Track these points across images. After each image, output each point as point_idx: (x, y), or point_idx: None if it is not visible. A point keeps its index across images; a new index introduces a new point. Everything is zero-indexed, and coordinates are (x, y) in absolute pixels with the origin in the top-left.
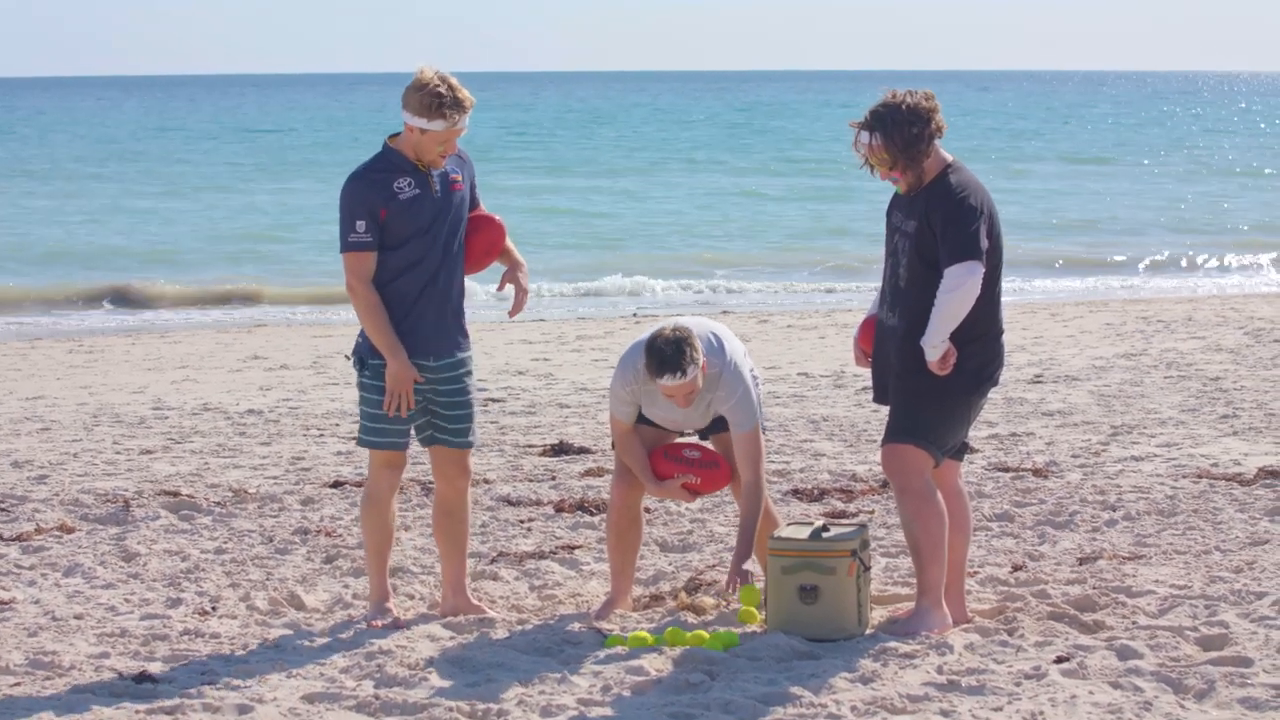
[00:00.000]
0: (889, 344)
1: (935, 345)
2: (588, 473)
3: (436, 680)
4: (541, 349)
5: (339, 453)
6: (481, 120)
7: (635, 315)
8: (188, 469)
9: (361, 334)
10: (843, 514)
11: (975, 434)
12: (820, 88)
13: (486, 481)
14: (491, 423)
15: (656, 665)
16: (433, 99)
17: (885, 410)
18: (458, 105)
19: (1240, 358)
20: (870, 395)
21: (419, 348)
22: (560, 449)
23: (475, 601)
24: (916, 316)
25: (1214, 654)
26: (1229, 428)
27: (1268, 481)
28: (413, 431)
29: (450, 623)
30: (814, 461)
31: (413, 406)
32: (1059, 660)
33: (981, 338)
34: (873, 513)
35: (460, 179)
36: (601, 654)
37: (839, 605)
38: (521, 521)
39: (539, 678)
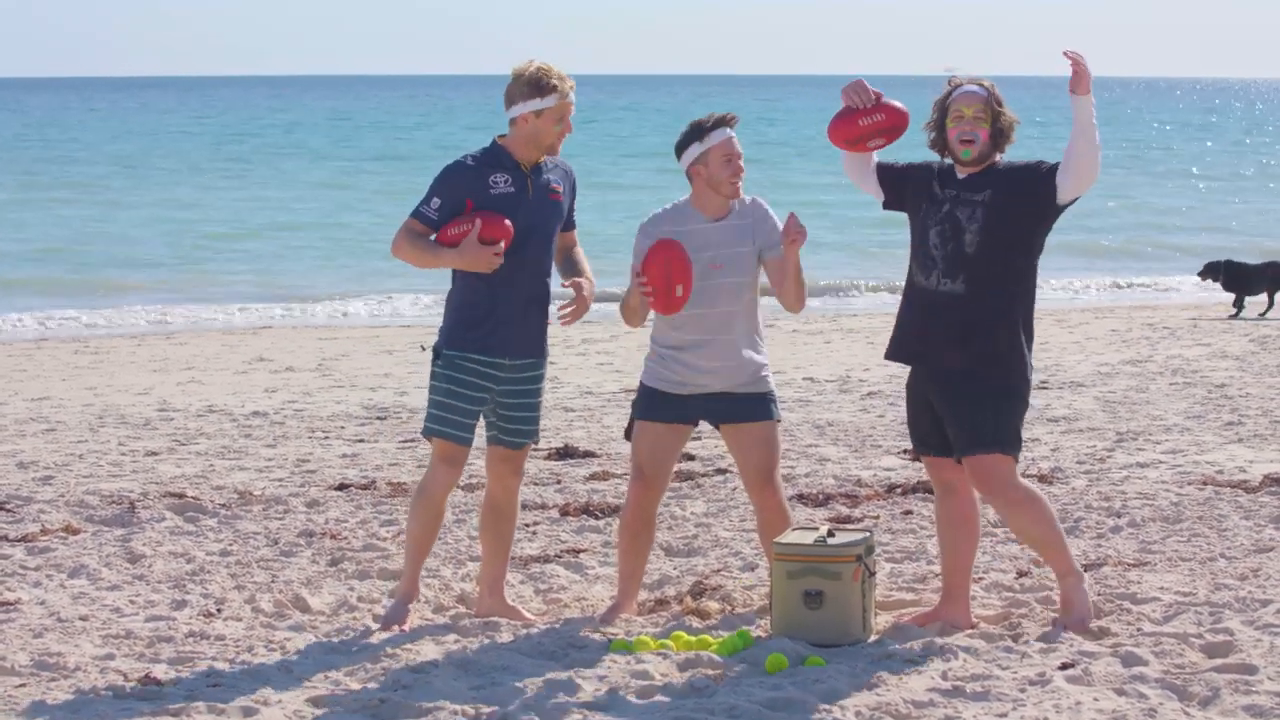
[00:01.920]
0: (943, 310)
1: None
2: (593, 476)
3: (441, 683)
4: None
5: (344, 455)
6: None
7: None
8: (193, 471)
9: (441, 327)
10: (848, 519)
11: None
12: (814, 92)
13: None
14: None
15: (661, 670)
16: (538, 76)
17: (891, 409)
18: (564, 79)
19: (1246, 364)
20: (885, 353)
21: (493, 346)
22: (565, 453)
23: (511, 604)
24: (986, 283)
25: (1219, 661)
26: (1234, 434)
27: (1273, 489)
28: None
29: (455, 625)
30: (819, 466)
31: (501, 255)
32: (1064, 666)
33: (1031, 336)
34: (878, 518)
35: (561, 190)
36: (606, 658)
37: (844, 611)
38: (527, 525)
39: (544, 681)
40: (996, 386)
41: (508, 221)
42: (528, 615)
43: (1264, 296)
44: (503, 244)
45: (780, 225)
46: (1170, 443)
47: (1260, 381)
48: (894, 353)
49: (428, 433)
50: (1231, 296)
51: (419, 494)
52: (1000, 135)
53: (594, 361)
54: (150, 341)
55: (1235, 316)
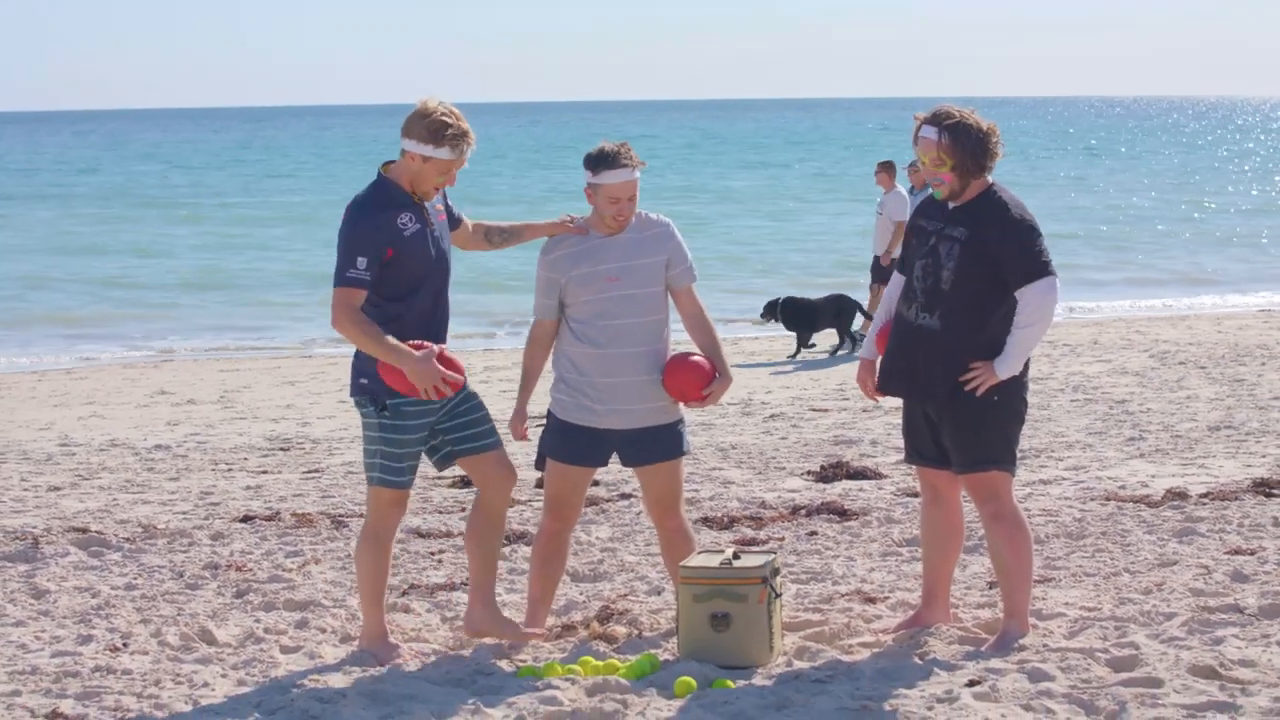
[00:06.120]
0: (921, 344)
1: (1013, 369)
2: None
3: (349, 713)
4: None
5: (248, 487)
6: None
7: None
8: (96, 505)
9: (369, 374)
10: (753, 541)
11: (884, 459)
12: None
13: None
14: None
15: (569, 695)
16: (440, 125)
17: (794, 431)
18: (463, 136)
19: (1146, 380)
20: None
21: None
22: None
23: (506, 618)
24: (960, 319)
25: (1125, 675)
26: (1136, 450)
27: (1175, 503)
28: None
29: (362, 655)
30: (723, 489)
31: (449, 393)
32: (971, 683)
33: None
34: (783, 540)
35: (441, 206)
36: (514, 685)
37: (751, 633)
38: (432, 553)
39: (452, 709)
40: (995, 404)
41: (461, 376)
42: (523, 631)
43: (834, 333)
44: (451, 387)
45: (685, 248)
46: (1072, 459)
47: (1160, 397)
48: (882, 385)
49: (380, 483)
50: (794, 335)
51: (369, 540)
52: (972, 164)
53: (497, 389)
54: (51, 376)
55: (795, 356)
